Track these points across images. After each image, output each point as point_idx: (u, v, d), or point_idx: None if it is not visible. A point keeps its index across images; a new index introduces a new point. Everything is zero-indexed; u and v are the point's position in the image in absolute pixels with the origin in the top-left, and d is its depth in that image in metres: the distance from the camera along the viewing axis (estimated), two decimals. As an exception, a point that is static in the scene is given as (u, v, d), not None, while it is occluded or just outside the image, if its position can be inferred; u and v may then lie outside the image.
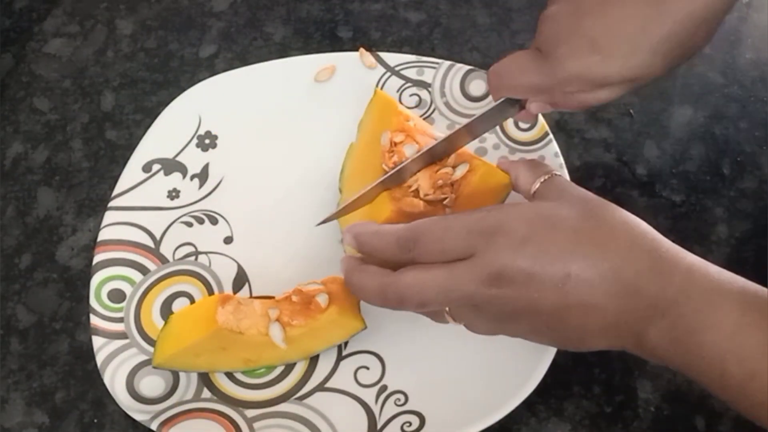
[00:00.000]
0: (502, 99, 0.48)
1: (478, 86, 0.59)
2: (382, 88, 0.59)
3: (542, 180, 0.46)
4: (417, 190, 0.50)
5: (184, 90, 0.61)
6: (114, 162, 0.60)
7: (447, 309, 0.43)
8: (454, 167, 0.51)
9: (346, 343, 0.51)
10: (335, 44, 0.65)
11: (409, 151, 0.52)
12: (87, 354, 0.53)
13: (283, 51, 0.65)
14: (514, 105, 0.49)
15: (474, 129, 0.51)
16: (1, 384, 0.52)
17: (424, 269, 0.41)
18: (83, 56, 0.66)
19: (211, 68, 0.64)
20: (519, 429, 0.49)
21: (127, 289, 0.53)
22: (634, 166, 0.58)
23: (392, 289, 0.42)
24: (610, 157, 0.59)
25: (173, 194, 0.57)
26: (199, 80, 0.62)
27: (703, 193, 0.57)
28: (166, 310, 0.53)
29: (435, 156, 0.51)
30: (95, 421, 0.51)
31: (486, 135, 0.57)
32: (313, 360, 0.51)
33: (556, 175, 0.46)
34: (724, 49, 0.63)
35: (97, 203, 0.59)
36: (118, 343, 0.51)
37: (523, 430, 0.49)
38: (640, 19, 0.43)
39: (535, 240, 0.40)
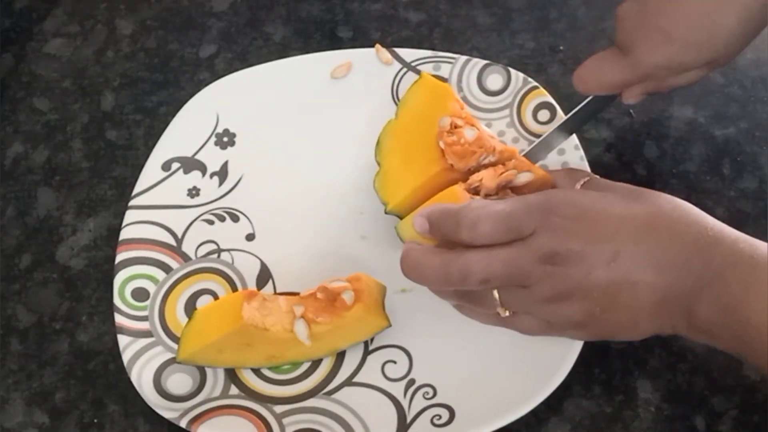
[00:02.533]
0: (591, 97, 0.53)
1: (495, 80, 0.59)
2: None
3: (582, 183, 0.48)
4: (477, 190, 0.51)
5: (184, 90, 0.61)
6: (114, 162, 0.60)
7: (497, 297, 0.44)
8: (516, 171, 0.51)
9: (372, 338, 0.51)
10: (335, 44, 0.65)
11: (470, 134, 0.53)
12: (87, 354, 0.53)
13: (283, 51, 0.65)
14: (605, 98, 0.53)
15: (570, 125, 0.54)
16: (1, 384, 0.52)
17: (486, 248, 0.43)
18: (83, 56, 0.66)
19: (211, 68, 0.64)
20: (519, 429, 0.49)
21: (150, 287, 0.53)
22: (634, 166, 0.58)
23: (457, 264, 0.43)
24: (610, 157, 0.59)
25: (193, 192, 0.57)
26: (200, 80, 0.62)
27: (703, 193, 0.57)
28: (191, 308, 0.53)
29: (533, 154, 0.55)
30: (95, 421, 0.51)
31: (505, 129, 0.58)
32: (340, 355, 0.51)
33: (594, 176, 0.49)
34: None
35: (97, 203, 0.59)
36: (144, 341, 0.51)
37: (523, 430, 0.49)
38: (707, 8, 0.46)
39: (586, 220, 0.42)
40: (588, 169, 0.55)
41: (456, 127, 0.53)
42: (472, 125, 0.54)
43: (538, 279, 0.42)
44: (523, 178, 0.51)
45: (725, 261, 0.40)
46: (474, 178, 0.51)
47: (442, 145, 0.53)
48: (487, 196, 0.50)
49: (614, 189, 0.46)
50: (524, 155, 0.54)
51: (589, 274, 0.42)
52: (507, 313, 0.45)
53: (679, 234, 0.41)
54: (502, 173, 0.51)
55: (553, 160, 0.56)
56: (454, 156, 0.53)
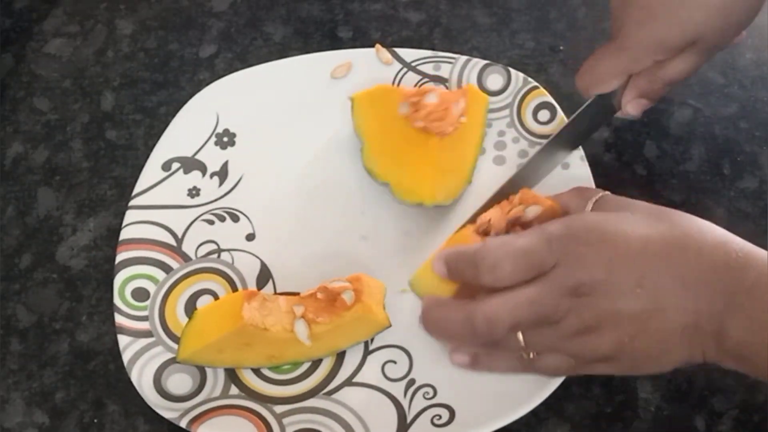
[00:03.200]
0: (593, 98, 0.52)
1: (495, 80, 0.59)
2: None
3: (594, 201, 0.46)
4: (487, 230, 0.49)
5: (184, 90, 0.61)
6: (114, 162, 0.60)
7: (522, 339, 0.42)
8: (524, 206, 0.50)
9: (372, 338, 0.52)
10: (335, 44, 0.65)
11: (431, 98, 0.54)
12: (87, 354, 0.53)
13: (283, 51, 0.65)
14: (606, 107, 0.52)
15: (568, 137, 0.54)
16: (1, 384, 0.52)
17: (509, 290, 0.41)
18: (83, 56, 0.66)
19: (211, 68, 0.64)
20: (519, 429, 0.49)
21: (150, 287, 0.53)
22: (634, 166, 0.58)
23: (481, 313, 0.41)
24: (610, 157, 0.59)
25: (193, 192, 0.57)
26: (200, 80, 0.62)
27: (703, 193, 0.57)
28: (191, 308, 0.53)
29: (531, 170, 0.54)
30: (95, 421, 0.51)
31: (505, 129, 0.58)
32: (340, 355, 0.51)
33: (605, 193, 0.47)
34: (724, 49, 0.63)
35: (97, 203, 0.59)
36: (144, 341, 0.51)
37: (523, 430, 0.49)
38: None
39: (608, 245, 0.41)
40: (588, 170, 0.55)
41: (416, 103, 0.55)
42: (427, 92, 0.55)
43: (565, 313, 0.41)
44: (532, 212, 0.49)
45: (759, 280, 0.39)
46: (483, 219, 0.49)
47: (420, 124, 0.54)
48: (497, 235, 0.49)
49: (632, 207, 0.44)
50: (524, 170, 0.54)
51: (617, 302, 0.40)
52: (531, 356, 0.43)
53: (706, 254, 0.40)
54: (509, 210, 0.49)
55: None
56: (436, 123, 0.54)
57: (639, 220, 0.42)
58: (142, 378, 0.50)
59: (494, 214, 0.49)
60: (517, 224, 0.49)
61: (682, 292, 0.40)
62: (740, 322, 0.39)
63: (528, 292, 0.41)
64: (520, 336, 0.42)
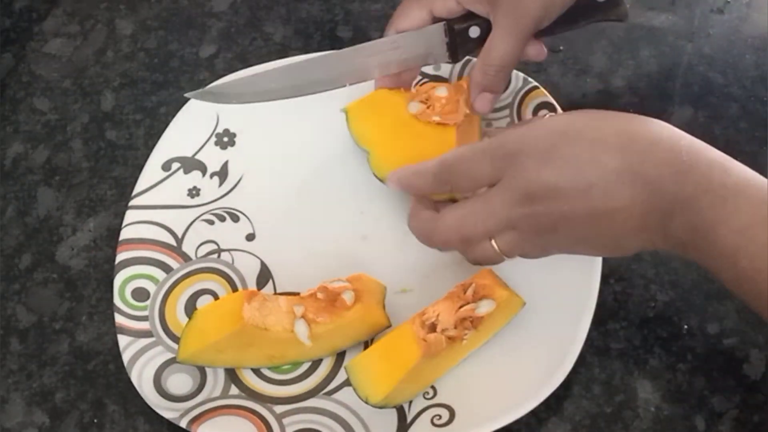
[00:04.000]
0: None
1: None
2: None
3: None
4: (434, 324, 0.49)
5: (184, 90, 0.61)
6: (114, 162, 0.60)
7: (493, 243, 0.44)
8: (475, 300, 0.49)
9: (372, 338, 0.51)
10: (335, 44, 0.65)
11: (441, 92, 0.55)
12: (87, 354, 0.53)
13: (283, 51, 0.65)
14: None
15: None
16: (1, 384, 0.52)
17: (460, 206, 0.45)
18: (83, 56, 0.66)
19: (211, 68, 0.64)
20: (519, 429, 0.49)
21: (150, 287, 0.53)
22: (634, 166, 0.58)
23: (436, 234, 0.46)
24: (610, 157, 0.59)
25: (193, 192, 0.57)
26: (200, 80, 0.62)
27: (703, 193, 0.57)
28: (191, 308, 0.53)
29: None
30: (95, 421, 0.51)
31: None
32: (340, 355, 0.51)
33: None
34: (724, 49, 0.63)
35: (97, 203, 0.59)
36: (144, 341, 0.51)
37: (523, 430, 0.49)
38: None
39: (557, 154, 0.42)
40: None
41: (428, 99, 0.54)
42: (434, 87, 0.55)
43: (518, 221, 0.43)
44: (485, 308, 0.49)
45: (697, 188, 0.40)
46: (430, 313, 0.49)
47: (437, 119, 0.54)
48: (444, 331, 0.48)
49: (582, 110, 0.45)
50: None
51: (567, 208, 0.42)
52: (511, 256, 0.45)
53: (652, 159, 0.41)
54: (461, 306, 0.49)
55: None
56: (452, 115, 0.54)
57: (585, 128, 0.43)
58: (142, 378, 0.50)
59: (443, 309, 0.49)
60: (466, 321, 0.49)
61: (628, 198, 0.41)
62: (681, 224, 0.41)
63: (475, 208, 0.44)
64: (494, 244, 0.44)
